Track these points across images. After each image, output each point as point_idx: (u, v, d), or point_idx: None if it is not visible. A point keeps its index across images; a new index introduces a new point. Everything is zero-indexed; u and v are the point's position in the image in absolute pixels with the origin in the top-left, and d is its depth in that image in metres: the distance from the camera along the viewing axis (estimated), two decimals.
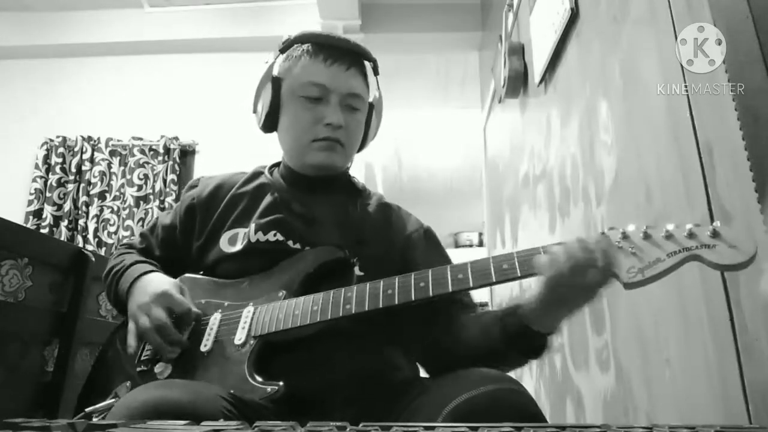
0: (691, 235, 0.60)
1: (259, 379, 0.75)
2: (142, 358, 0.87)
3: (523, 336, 0.73)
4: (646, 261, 0.61)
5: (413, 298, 0.73)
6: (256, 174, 1.01)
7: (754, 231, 0.68)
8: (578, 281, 0.65)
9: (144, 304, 0.84)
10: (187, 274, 0.97)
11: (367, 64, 0.98)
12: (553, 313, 0.71)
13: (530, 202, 1.91)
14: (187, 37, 3.28)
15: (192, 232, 0.96)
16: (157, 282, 0.87)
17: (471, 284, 0.71)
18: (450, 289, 0.71)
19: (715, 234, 0.59)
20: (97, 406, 0.80)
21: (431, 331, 0.86)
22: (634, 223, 0.65)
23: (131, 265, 0.93)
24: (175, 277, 1.02)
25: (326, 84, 0.91)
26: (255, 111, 1.00)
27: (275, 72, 0.95)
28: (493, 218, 2.90)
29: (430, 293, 0.72)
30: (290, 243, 0.89)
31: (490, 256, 0.72)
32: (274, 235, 0.89)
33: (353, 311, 0.75)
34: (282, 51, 0.97)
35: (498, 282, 0.69)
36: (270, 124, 0.97)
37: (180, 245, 0.98)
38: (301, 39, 0.96)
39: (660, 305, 0.93)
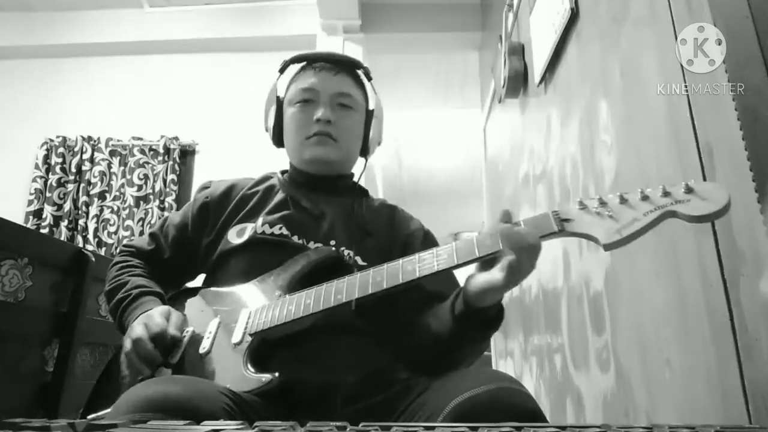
0: (665, 193, 0.63)
1: (253, 370, 0.75)
2: None
3: (470, 317, 0.75)
4: (623, 222, 0.63)
5: (401, 280, 0.74)
6: (266, 177, 1.07)
7: (754, 235, 0.68)
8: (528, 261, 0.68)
9: (130, 330, 0.84)
10: (190, 289, 0.98)
11: (359, 72, 1.06)
12: (496, 291, 0.72)
13: (530, 202, 1.91)
14: (187, 37, 3.28)
15: (203, 229, 0.99)
16: (148, 312, 0.86)
17: (456, 261, 0.72)
18: (436, 268, 0.72)
19: (688, 190, 0.61)
20: (100, 413, 0.80)
21: (408, 326, 0.88)
22: (612, 193, 0.67)
23: (137, 297, 0.91)
24: (183, 278, 1.03)
25: (315, 87, 1.00)
26: (266, 129, 1.09)
27: (277, 92, 1.06)
28: (493, 218, 2.90)
29: (417, 274, 0.73)
30: (294, 238, 0.92)
31: (473, 236, 0.73)
32: (280, 228, 0.93)
33: (344, 300, 0.76)
34: (281, 71, 1.07)
35: (482, 257, 0.70)
36: (279, 138, 1.06)
37: (191, 244, 0.99)
38: (297, 59, 1.05)
39: (660, 305, 0.93)
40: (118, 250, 1.05)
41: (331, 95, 1.00)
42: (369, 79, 1.08)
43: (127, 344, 0.82)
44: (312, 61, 1.04)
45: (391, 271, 0.75)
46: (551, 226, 0.68)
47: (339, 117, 0.99)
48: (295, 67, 1.06)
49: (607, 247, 0.64)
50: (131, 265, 0.99)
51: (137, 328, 0.82)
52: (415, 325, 0.87)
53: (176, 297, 0.98)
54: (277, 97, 1.05)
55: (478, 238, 0.72)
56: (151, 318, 0.83)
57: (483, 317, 0.76)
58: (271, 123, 1.06)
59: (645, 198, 0.63)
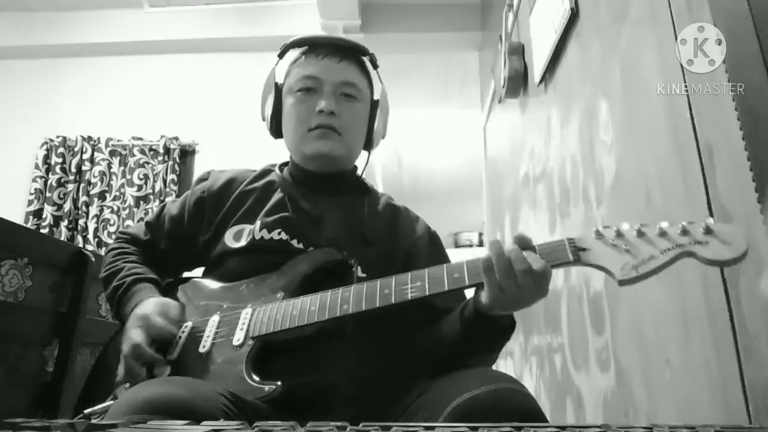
0: (684, 232, 0.61)
1: (257, 378, 0.74)
2: None
3: (479, 323, 0.75)
4: (640, 258, 0.62)
5: (409, 297, 0.72)
6: (266, 171, 1.02)
7: (754, 235, 0.68)
8: (516, 289, 0.67)
9: (126, 329, 0.83)
10: (189, 280, 0.97)
11: (364, 59, 1.00)
12: (502, 309, 0.72)
13: (530, 202, 1.91)
14: (187, 37, 3.28)
15: (200, 225, 0.96)
16: (143, 307, 0.85)
17: (467, 282, 0.71)
18: (446, 288, 0.71)
19: (708, 231, 0.60)
20: (96, 407, 0.80)
21: (415, 333, 0.87)
22: (628, 222, 0.66)
23: (132, 284, 0.90)
24: (179, 270, 1.01)
25: (318, 75, 0.94)
26: (263, 118, 1.03)
27: (276, 78, 0.99)
28: (493, 218, 2.90)
29: (427, 292, 0.72)
30: (294, 242, 0.90)
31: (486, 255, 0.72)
32: (279, 233, 0.90)
33: (350, 311, 0.75)
34: (280, 56, 1.01)
35: None
36: (277, 128, 1.00)
37: (187, 237, 0.97)
38: (297, 43, 0.99)
39: (660, 305, 0.93)
40: (114, 237, 1.03)
41: (335, 84, 0.94)
42: (375, 67, 1.02)
43: (125, 348, 0.81)
44: (314, 46, 0.98)
45: (400, 285, 0.74)
46: (567, 256, 0.67)
47: (343, 108, 0.94)
48: (294, 52, 1.00)
49: (623, 283, 0.62)
50: (127, 251, 0.97)
51: (134, 333, 0.81)
52: (420, 337, 0.86)
53: (174, 284, 0.96)
54: (276, 84, 0.99)
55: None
56: (148, 319, 0.82)
57: (493, 325, 0.75)
58: (268, 112, 1.00)
59: (663, 234, 0.62)
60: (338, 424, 0.44)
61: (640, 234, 0.63)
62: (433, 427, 0.44)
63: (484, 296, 0.72)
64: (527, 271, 0.66)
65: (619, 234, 0.65)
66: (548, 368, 1.68)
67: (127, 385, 0.83)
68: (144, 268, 0.94)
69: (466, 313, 0.77)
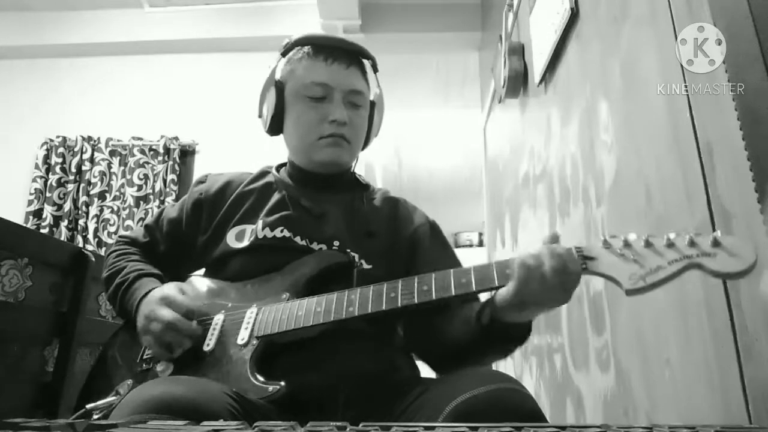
0: (692, 243, 0.61)
1: (261, 378, 0.75)
2: (144, 356, 0.87)
3: (497, 328, 0.75)
4: (648, 268, 0.62)
5: (416, 301, 0.73)
6: (264, 173, 1.03)
7: (754, 235, 0.68)
8: (547, 288, 0.65)
9: (150, 312, 0.83)
10: (192, 276, 0.97)
11: (366, 62, 1.01)
12: (523, 312, 0.72)
13: (530, 202, 1.91)
14: (187, 37, 3.28)
15: (198, 226, 0.97)
16: (159, 290, 0.87)
17: (474, 288, 0.71)
18: (453, 293, 0.72)
19: (716, 243, 0.60)
20: (98, 403, 0.80)
21: (429, 324, 0.87)
22: (635, 231, 0.66)
23: (135, 279, 0.91)
24: (179, 272, 1.02)
25: (328, 82, 0.94)
26: (261, 115, 1.03)
27: (278, 76, 0.98)
28: (493, 218, 2.90)
29: (433, 297, 0.72)
30: (297, 240, 0.90)
31: (493, 261, 0.72)
32: (281, 231, 0.90)
33: (356, 313, 0.75)
34: (283, 54, 1.00)
35: (501, 286, 0.70)
36: (276, 126, 0.99)
37: (185, 239, 0.98)
38: (301, 42, 0.98)
39: (660, 306, 0.93)
40: (114, 240, 1.04)
41: (344, 92, 0.95)
42: (376, 71, 1.03)
43: (155, 327, 0.81)
44: (320, 47, 0.97)
45: (406, 289, 0.74)
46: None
47: (352, 117, 0.95)
48: (297, 49, 0.98)
49: (630, 293, 0.62)
50: (128, 252, 0.99)
51: (163, 311, 0.81)
52: (434, 327, 0.86)
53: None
54: (276, 81, 0.97)
55: (497, 265, 0.71)
56: (170, 298, 0.83)
57: (512, 332, 0.75)
58: (268, 109, 0.98)
59: (671, 245, 0.62)
60: (338, 424, 0.44)
61: (648, 244, 0.63)
62: (433, 427, 0.44)
63: (503, 294, 0.71)
64: (559, 269, 0.65)
65: (627, 244, 0.65)
66: (548, 368, 1.68)
67: (130, 381, 0.84)
68: (146, 265, 0.95)
69: (483, 319, 0.76)
